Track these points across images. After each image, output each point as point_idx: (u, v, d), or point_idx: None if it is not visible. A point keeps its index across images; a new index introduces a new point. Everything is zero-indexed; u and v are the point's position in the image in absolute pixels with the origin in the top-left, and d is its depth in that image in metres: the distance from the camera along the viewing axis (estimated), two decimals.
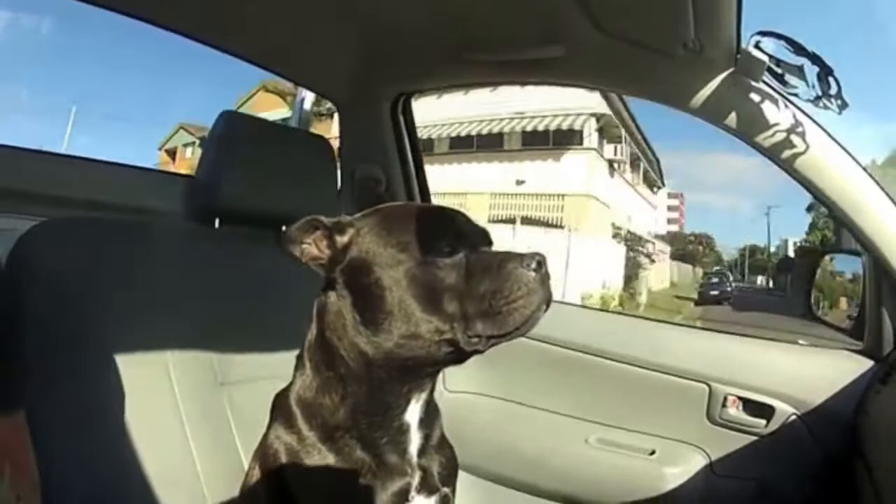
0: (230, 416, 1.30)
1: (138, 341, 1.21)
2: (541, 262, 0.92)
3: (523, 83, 1.91)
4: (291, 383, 1.04)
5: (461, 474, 1.68)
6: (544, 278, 0.92)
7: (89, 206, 1.47)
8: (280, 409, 1.05)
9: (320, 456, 0.99)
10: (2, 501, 0.78)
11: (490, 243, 1.01)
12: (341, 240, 0.98)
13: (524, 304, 0.90)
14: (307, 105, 2.05)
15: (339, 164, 1.94)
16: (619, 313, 1.82)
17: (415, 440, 1.03)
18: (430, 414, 1.06)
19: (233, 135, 1.48)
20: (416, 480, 1.02)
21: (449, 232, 0.96)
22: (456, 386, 1.83)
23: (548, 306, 0.93)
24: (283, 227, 1.02)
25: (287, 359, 1.06)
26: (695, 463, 1.57)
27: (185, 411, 1.23)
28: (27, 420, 1.06)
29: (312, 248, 0.98)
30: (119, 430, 1.14)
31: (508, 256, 0.93)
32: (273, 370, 1.08)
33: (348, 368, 0.97)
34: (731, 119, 1.41)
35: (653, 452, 1.60)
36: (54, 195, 1.45)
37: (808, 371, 1.52)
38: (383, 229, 0.97)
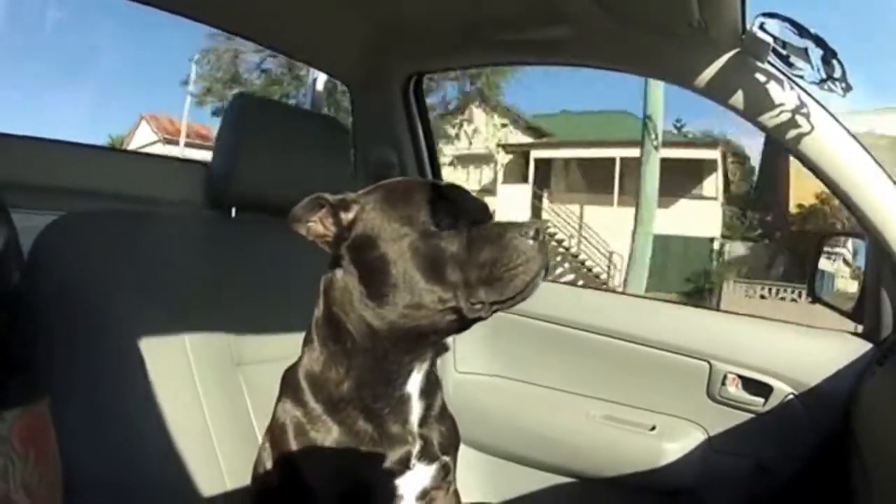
0: (246, 396, 1.33)
1: (157, 327, 1.23)
2: (538, 230, 0.94)
3: (532, 63, 1.89)
4: (300, 359, 1.07)
5: (469, 450, 1.75)
6: (542, 246, 0.94)
7: (107, 197, 1.48)
8: (288, 383, 1.07)
9: (325, 427, 1.02)
10: (24, 484, 0.80)
11: (489, 216, 1.03)
12: (346, 216, 1.00)
13: (524, 270, 0.92)
14: (319, 86, 2.04)
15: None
16: (625, 293, 1.82)
17: (416, 410, 1.05)
18: (431, 385, 1.08)
19: (246, 119, 1.48)
20: (416, 448, 1.04)
21: (450, 205, 0.98)
22: (465, 367, 1.86)
23: (547, 272, 0.95)
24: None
25: (301, 340, 1.08)
26: (693, 438, 1.58)
27: (203, 392, 1.25)
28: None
29: (318, 225, 1.01)
30: (139, 411, 1.17)
31: (508, 226, 0.95)
32: (288, 351, 1.10)
33: (354, 342, 1.00)
34: (738, 99, 1.39)
35: (653, 428, 1.62)
36: (71, 187, 1.46)
37: (807, 352, 1.52)
38: (387, 204, 0.99)
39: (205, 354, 1.28)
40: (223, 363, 1.32)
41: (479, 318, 0.97)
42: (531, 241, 0.93)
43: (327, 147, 1.63)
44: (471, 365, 1.85)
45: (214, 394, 1.28)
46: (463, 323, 0.97)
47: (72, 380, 1.13)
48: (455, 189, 1.04)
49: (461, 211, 0.98)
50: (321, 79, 2.05)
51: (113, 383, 1.17)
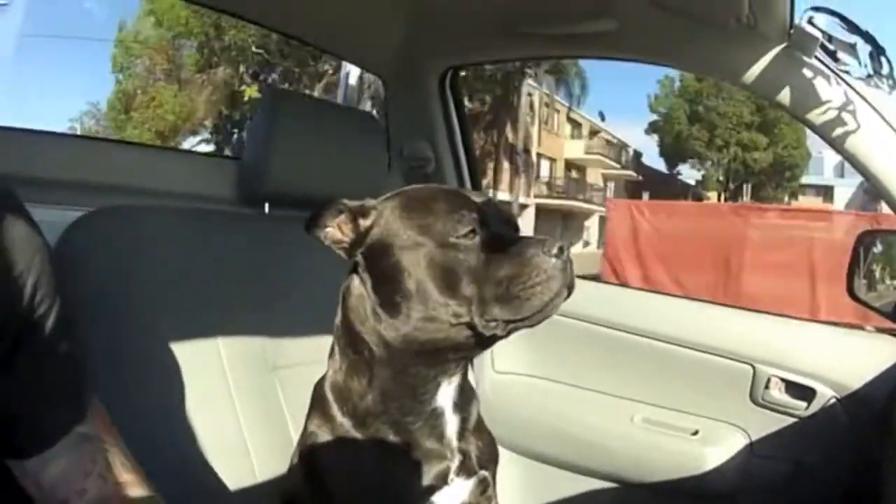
0: (282, 400, 1.38)
1: (189, 328, 1.28)
2: (562, 248, 0.94)
3: (574, 57, 1.97)
4: (326, 371, 1.10)
5: (506, 453, 1.74)
6: (565, 264, 0.94)
7: (136, 193, 1.53)
8: (316, 397, 1.11)
9: (354, 444, 1.04)
10: (125, 465, 0.88)
11: (515, 228, 1.06)
12: (364, 223, 1.03)
13: (542, 290, 0.93)
14: (352, 80, 2.13)
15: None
16: (666, 294, 1.85)
17: (451, 424, 1.07)
18: (466, 396, 1.11)
19: (278, 114, 1.54)
20: (455, 464, 1.07)
21: (470, 215, 0.99)
22: (504, 367, 1.91)
23: (570, 292, 0.97)
24: None
25: None
26: (735, 443, 1.62)
27: (238, 396, 1.31)
28: None
29: (336, 231, 1.03)
30: (169, 417, 1.22)
31: (529, 242, 0.96)
32: (324, 353, 1.13)
33: (371, 352, 1.02)
34: (784, 95, 1.44)
35: (696, 433, 1.66)
36: (99, 183, 1.50)
37: (850, 354, 1.57)
38: (404, 211, 1.02)
39: (239, 358, 1.33)
40: (258, 368, 1.37)
41: (496, 337, 0.97)
42: (553, 259, 0.93)
43: (361, 141, 1.69)
44: (509, 364, 1.90)
45: (250, 400, 1.33)
46: (480, 340, 0.98)
47: (97, 383, 1.13)
48: (479, 198, 1.05)
49: (482, 222, 0.99)
50: (354, 72, 2.14)
51: (142, 388, 1.20)
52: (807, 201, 23.67)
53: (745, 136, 22.63)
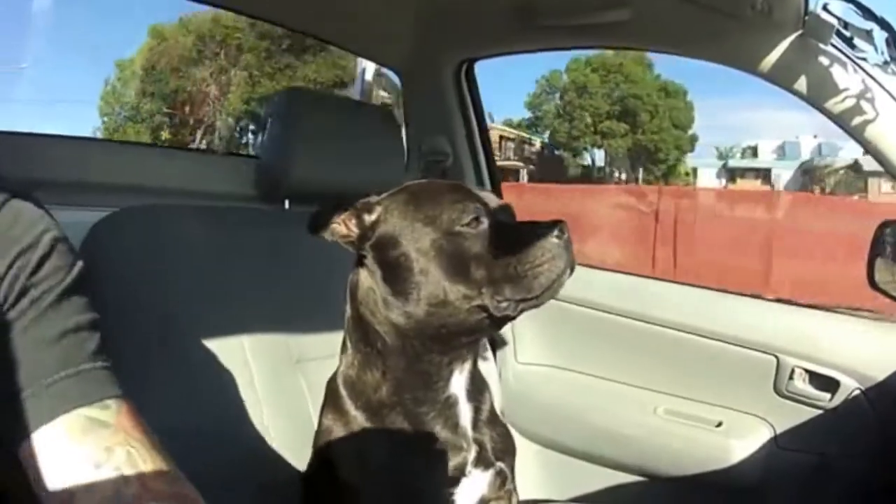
0: (306, 393, 1.39)
1: (213, 325, 1.30)
2: (563, 230, 1.01)
3: (589, 47, 1.96)
4: (339, 365, 1.14)
5: (530, 444, 1.80)
6: (567, 244, 1.01)
7: (158, 193, 1.56)
8: (329, 392, 1.15)
9: (368, 437, 1.08)
10: (157, 469, 0.73)
11: (512, 216, 1.11)
12: (369, 218, 1.07)
13: (549, 268, 0.99)
14: (368, 76, 2.15)
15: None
16: (688, 284, 1.85)
17: (465, 413, 1.11)
18: (477, 386, 1.15)
19: (296, 112, 1.57)
20: (472, 455, 1.10)
21: (473, 205, 1.04)
22: (526, 358, 1.93)
23: (572, 271, 1.02)
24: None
25: None
26: (760, 435, 1.63)
27: (262, 391, 1.32)
28: None
29: (341, 227, 1.08)
30: (196, 409, 1.23)
31: (532, 225, 1.03)
32: None
33: (384, 343, 1.07)
34: (801, 83, 1.44)
35: (720, 424, 1.67)
36: (122, 184, 1.54)
37: (875, 345, 1.56)
38: (410, 205, 1.07)
39: (263, 353, 1.34)
40: (282, 361, 1.38)
41: (507, 318, 1.03)
42: (555, 240, 1.00)
43: (379, 136, 1.72)
44: (532, 355, 1.92)
45: (273, 394, 1.34)
46: (492, 321, 1.04)
47: (121, 381, 1.18)
48: (479, 190, 1.12)
49: (485, 211, 1.04)
50: (370, 68, 2.15)
51: (165, 382, 1.21)
52: (746, 184, 24.98)
53: (605, 125, 24.87)
